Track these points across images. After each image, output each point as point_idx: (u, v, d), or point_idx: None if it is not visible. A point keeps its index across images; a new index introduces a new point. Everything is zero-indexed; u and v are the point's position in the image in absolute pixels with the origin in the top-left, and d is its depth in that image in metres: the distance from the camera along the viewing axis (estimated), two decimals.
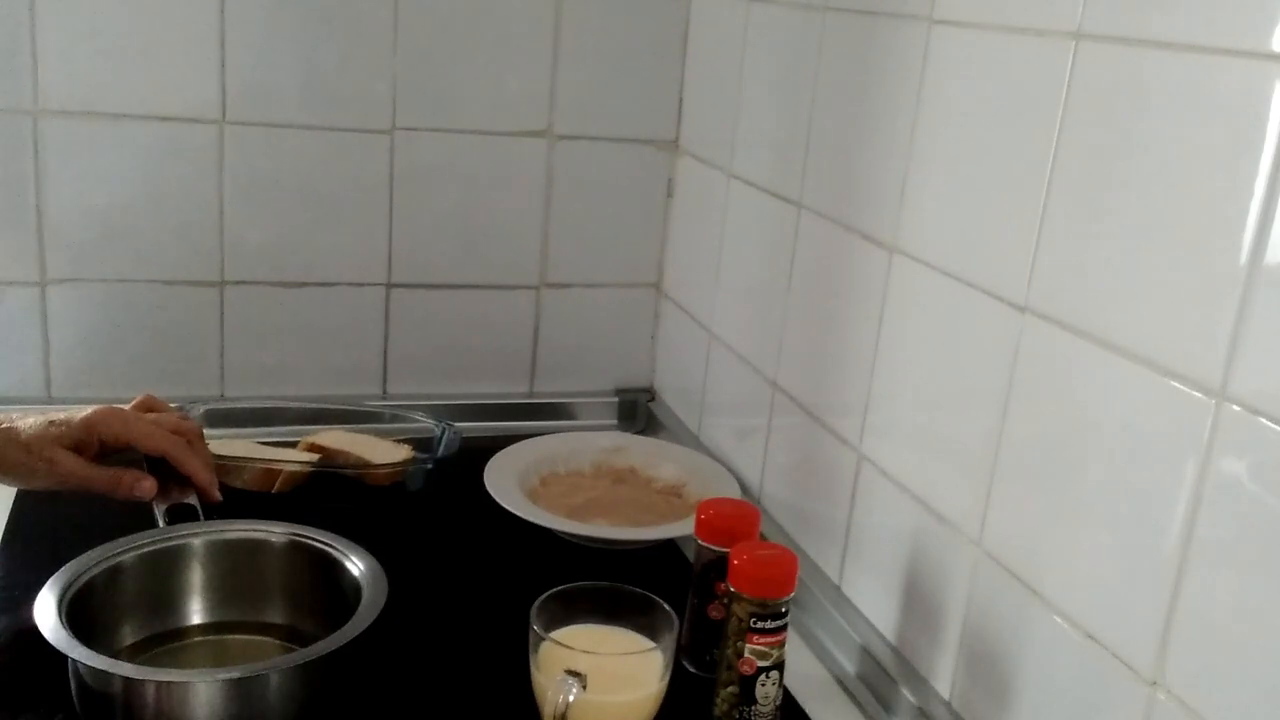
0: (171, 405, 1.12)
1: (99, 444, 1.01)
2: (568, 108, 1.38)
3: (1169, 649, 0.68)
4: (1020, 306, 0.81)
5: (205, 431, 1.10)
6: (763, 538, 1.01)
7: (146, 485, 1.01)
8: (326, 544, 0.95)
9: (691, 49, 1.39)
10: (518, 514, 1.13)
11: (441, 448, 1.22)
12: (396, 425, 1.29)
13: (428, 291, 1.41)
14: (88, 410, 1.01)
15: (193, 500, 1.02)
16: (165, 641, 0.93)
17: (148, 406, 1.08)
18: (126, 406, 1.06)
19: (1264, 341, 0.63)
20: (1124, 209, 0.72)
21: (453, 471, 1.21)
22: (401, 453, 1.23)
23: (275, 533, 0.96)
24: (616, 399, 1.50)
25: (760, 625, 0.85)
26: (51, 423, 0.99)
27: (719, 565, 0.91)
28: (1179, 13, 0.68)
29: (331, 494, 1.19)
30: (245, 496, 1.14)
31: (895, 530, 0.96)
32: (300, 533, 0.96)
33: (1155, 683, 0.69)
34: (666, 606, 0.87)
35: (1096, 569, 0.74)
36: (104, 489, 1.00)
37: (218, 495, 1.04)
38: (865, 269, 1.00)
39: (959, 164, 0.88)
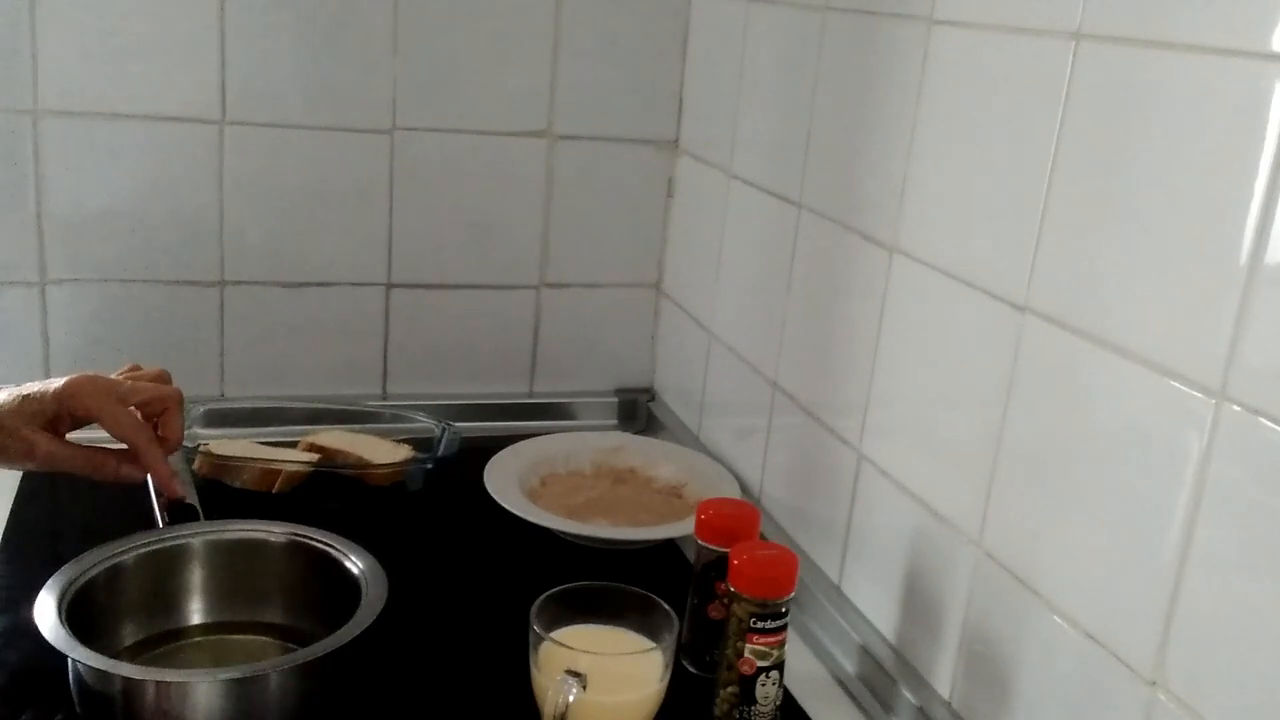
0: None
1: (70, 419, 0.96)
2: (568, 108, 1.38)
3: (1169, 649, 0.68)
4: (1020, 306, 0.81)
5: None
6: (763, 538, 1.01)
7: (134, 473, 0.97)
8: (326, 544, 0.95)
9: (691, 49, 1.39)
10: (518, 514, 1.13)
11: (441, 448, 1.22)
12: (396, 425, 1.29)
13: (428, 291, 1.41)
14: (60, 382, 0.96)
15: (192, 502, 1.01)
16: (165, 641, 0.93)
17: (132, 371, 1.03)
18: (114, 373, 1.02)
19: (1264, 341, 0.63)
20: (1124, 209, 0.72)
21: (453, 471, 1.21)
22: (401, 453, 1.23)
23: (275, 533, 0.97)
24: (616, 399, 1.50)
25: (760, 625, 0.85)
26: (26, 398, 0.95)
27: (719, 565, 0.91)
28: (1179, 13, 0.68)
29: (331, 494, 1.19)
30: (245, 496, 1.15)
31: (895, 530, 0.96)
32: (300, 533, 0.96)
33: (1155, 683, 0.69)
34: (666, 606, 0.87)
35: (1096, 569, 0.74)
36: (84, 472, 0.97)
37: (178, 491, 1.00)
38: (865, 269, 1.00)
39: (959, 164, 0.88)
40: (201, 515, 1.00)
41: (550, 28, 1.35)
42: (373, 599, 0.87)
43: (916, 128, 0.93)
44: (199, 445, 1.18)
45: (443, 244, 1.39)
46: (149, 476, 0.99)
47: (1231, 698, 0.65)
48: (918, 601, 0.94)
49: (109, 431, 0.97)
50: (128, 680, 0.80)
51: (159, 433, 1.00)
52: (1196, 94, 0.67)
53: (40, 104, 1.24)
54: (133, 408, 0.98)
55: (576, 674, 0.79)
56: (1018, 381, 0.81)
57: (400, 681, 0.93)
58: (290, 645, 0.91)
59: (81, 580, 0.87)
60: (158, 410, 1.00)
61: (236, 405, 1.32)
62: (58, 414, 0.96)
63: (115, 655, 0.85)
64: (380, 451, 1.22)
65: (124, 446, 0.98)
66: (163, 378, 1.04)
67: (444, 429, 1.25)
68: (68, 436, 0.98)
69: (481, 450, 1.23)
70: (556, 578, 0.88)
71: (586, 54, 1.37)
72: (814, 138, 1.10)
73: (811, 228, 1.11)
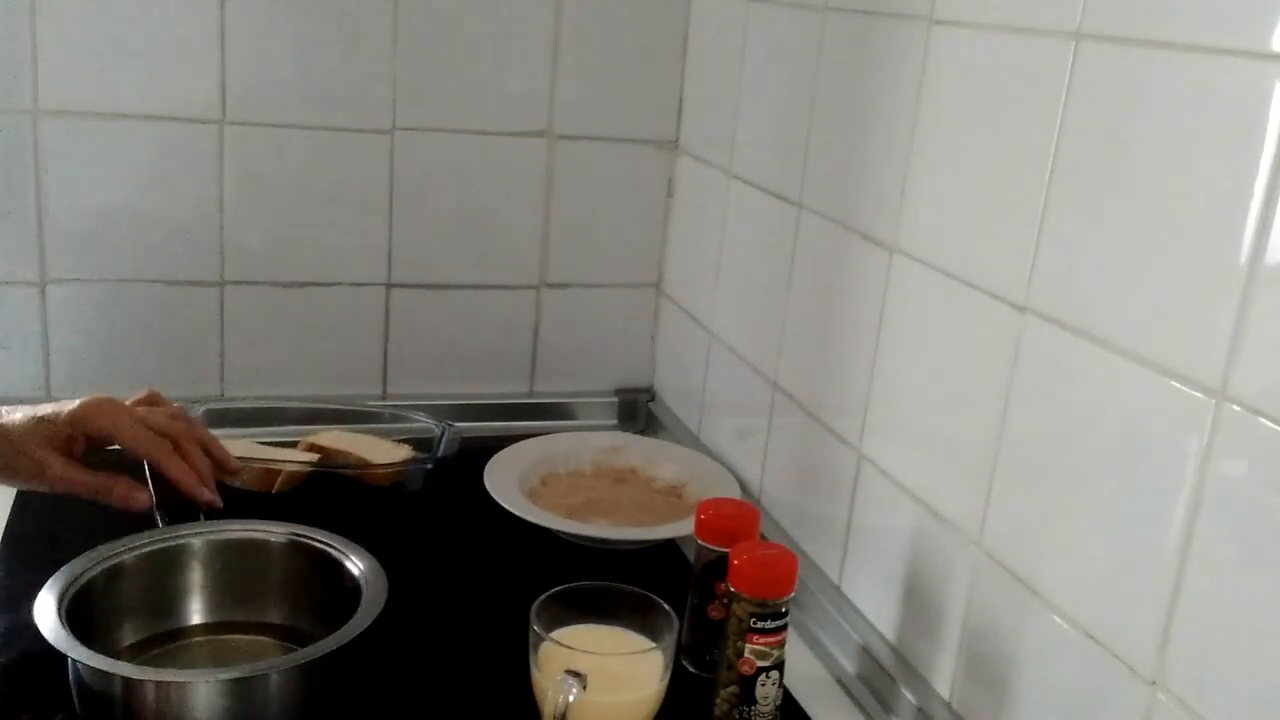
0: (175, 404, 1.11)
1: (85, 440, 0.97)
2: (568, 108, 1.38)
3: (1169, 649, 0.68)
4: (1020, 306, 0.81)
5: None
6: (763, 538, 1.01)
7: (140, 499, 0.98)
8: (326, 544, 0.95)
9: (691, 49, 1.39)
10: (518, 514, 1.13)
11: (441, 448, 1.22)
12: (396, 425, 1.29)
13: (428, 291, 1.41)
14: (75, 404, 0.97)
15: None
16: (165, 641, 0.93)
17: (150, 401, 1.04)
18: (128, 400, 1.03)
19: (1264, 341, 0.63)
20: (1124, 209, 0.72)
21: (453, 471, 1.21)
22: (401, 453, 1.23)
23: (275, 533, 0.97)
24: (616, 399, 1.50)
25: (760, 625, 0.85)
26: (40, 419, 0.96)
27: (719, 565, 0.91)
28: (1179, 13, 0.68)
29: (331, 494, 1.19)
30: (245, 496, 1.14)
31: (895, 530, 0.96)
32: (300, 533, 0.96)
33: (1155, 683, 0.69)
34: (666, 606, 0.87)
35: (1096, 569, 0.74)
36: (92, 495, 0.97)
37: (209, 498, 1.00)
38: (865, 269, 1.00)
39: (959, 164, 0.88)
40: (202, 515, 1.00)
41: (550, 27, 1.35)
42: (373, 599, 0.87)
43: (916, 128, 0.93)
44: None
45: (443, 244, 1.39)
46: (149, 476, 1.00)
47: (1231, 698, 0.65)
48: (918, 601, 0.94)
49: (126, 446, 0.98)
50: (128, 680, 0.80)
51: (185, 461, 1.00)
52: (1196, 94, 0.67)
53: (40, 104, 1.24)
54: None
55: (576, 674, 0.79)
56: (1018, 381, 0.81)
57: (400, 681, 0.93)
58: (290, 645, 0.92)
59: (81, 580, 0.87)
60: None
61: (236, 405, 1.32)
62: (71, 436, 0.96)
63: (115, 655, 0.85)
64: (380, 451, 1.22)
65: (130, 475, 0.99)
66: (179, 415, 1.04)
67: (444, 429, 1.25)
68: None
69: (481, 450, 1.23)
70: (556, 578, 0.88)
71: (586, 54, 1.37)
72: (814, 138, 1.10)
73: (811, 228, 1.11)
